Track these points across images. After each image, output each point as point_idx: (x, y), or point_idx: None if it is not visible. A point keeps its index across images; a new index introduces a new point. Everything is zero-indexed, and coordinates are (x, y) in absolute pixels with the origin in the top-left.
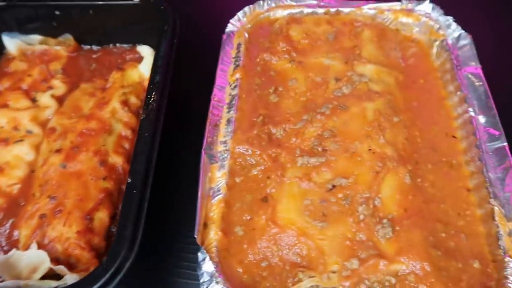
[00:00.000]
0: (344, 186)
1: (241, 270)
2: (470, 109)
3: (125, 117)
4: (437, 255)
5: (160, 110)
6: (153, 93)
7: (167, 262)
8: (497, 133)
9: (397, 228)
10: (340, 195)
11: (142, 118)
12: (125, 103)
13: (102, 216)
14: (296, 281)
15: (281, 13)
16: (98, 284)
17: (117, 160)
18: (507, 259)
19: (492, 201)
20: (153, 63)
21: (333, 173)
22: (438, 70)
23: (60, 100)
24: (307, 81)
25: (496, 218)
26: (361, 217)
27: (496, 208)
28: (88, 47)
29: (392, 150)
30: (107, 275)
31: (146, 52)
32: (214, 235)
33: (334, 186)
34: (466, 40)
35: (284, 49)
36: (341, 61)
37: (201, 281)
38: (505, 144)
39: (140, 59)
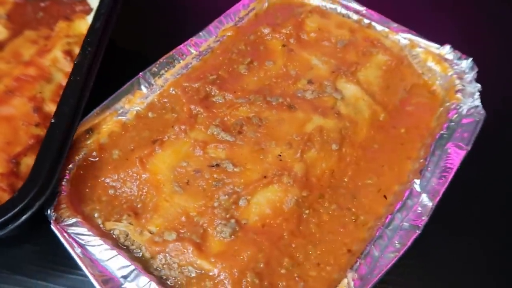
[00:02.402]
0: (226, 171)
1: (89, 184)
2: (417, 181)
3: (67, 67)
4: (252, 282)
5: (96, 56)
6: (90, 39)
7: None
8: (419, 223)
9: (239, 234)
10: (215, 176)
11: (75, 62)
12: (68, 53)
13: (30, 162)
14: (118, 219)
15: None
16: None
17: (54, 109)
18: None
19: (349, 271)
20: (96, 10)
21: (227, 154)
22: (428, 130)
23: (0, 45)
24: (280, 69)
25: None
26: (215, 204)
27: (345, 280)
28: None
29: (302, 171)
30: (14, 211)
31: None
32: (91, 142)
33: (217, 165)
34: (477, 118)
35: (288, 32)
36: (329, 68)
37: None
38: (418, 232)
39: (90, 11)
